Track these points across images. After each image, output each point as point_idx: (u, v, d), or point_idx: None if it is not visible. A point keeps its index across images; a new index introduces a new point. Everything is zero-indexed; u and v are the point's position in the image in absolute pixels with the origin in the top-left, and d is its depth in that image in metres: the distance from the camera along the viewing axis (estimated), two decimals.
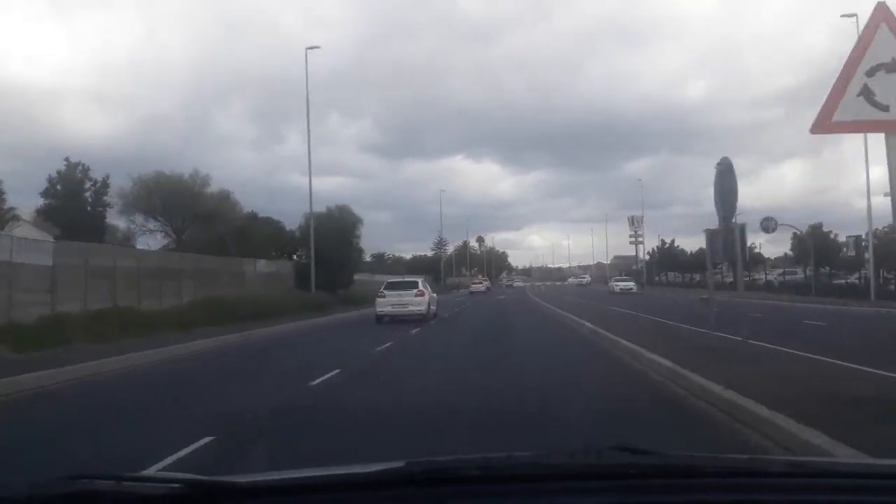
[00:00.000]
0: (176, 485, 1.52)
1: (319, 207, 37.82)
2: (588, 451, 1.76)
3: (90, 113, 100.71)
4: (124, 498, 1.50)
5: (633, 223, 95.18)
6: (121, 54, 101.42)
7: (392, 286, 26.31)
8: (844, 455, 4.56)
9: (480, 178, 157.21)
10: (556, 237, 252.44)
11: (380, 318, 24.54)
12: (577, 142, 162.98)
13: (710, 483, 1.59)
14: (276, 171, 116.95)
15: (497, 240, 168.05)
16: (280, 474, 1.73)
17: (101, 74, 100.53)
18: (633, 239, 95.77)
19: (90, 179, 36.04)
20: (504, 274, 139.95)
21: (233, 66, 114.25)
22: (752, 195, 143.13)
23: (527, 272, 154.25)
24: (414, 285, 26.38)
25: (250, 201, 71.68)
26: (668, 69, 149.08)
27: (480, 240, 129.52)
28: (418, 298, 25.28)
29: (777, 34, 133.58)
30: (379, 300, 25.37)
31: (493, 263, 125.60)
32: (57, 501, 1.48)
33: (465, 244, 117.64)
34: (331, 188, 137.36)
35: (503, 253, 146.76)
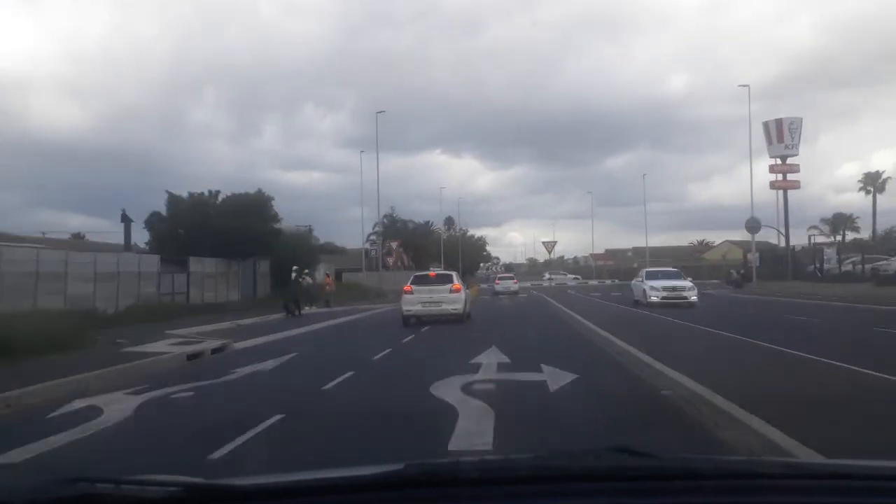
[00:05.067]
0: (174, 488, 1.52)
1: None
2: (587, 453, 1.77)
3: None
4: (123, 501, 1.50)
5: (776, 134, 46.77)
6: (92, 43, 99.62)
7: (420, 280, 22.17)
8: None
9: (459, 173, 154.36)
10: (535, 234, 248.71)
11: (406, 320, 21.09)
12: (558, 137, 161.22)
13: (708, 485, 1.60)
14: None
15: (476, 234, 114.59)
16: (278, 476, 1.73)
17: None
18: (779, 176, 46.86)
19: None
20: (483, 267, 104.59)
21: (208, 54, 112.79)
22: (728, 192, 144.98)
23: (509, 268, 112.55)
24: (448, 279, 22.14)
25: None
26: (650, 63, 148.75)
27: (449, 221, 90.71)
28: (454, 295, 21.25)
29: (757, 28, 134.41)
30: (406, 297, 21.46)
31: (467, 252, 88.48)
32: None
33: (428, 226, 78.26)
34: (306, 183, 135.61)
35: (480, 239, 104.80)
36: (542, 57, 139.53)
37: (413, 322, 20.94)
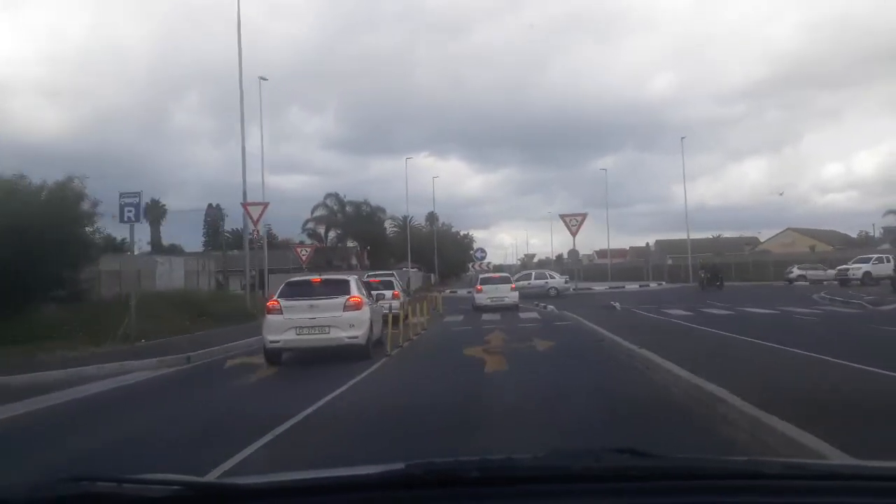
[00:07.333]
0: (177, 486, 1.52)
1: None
2: (588, 453, 1.77)
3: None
4: (125, 500, 1.50)
5: None
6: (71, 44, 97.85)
7: (296, 290, 14.30)
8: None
9: (446, 175, 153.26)
10: (523, 235, 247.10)
11: (273, 355, 13.55)
12: (545, 139, 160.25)
13: (709, 485, 1.61)
14: None
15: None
16: (281, 476, 1.73)
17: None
18: None
19: None
20: (472, 268, 76.72)
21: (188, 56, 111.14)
22: (714, 193, 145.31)
23: (499, 268, 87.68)
24: (341, 288, 14.30)
25: None
26: (635, 64, 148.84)
27: (432, 217, 74.92)
28: (351, 315, 13.56)
29: (744, 29, 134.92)
30: (270, 319, 13.70)
31: (452, 251, 74.71)
32: (58, 503, 1.47)
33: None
34: (293, 186, 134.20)
35: (467, 237, 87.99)
36: (527, 59, 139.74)
37: (285, 357, 13.68)
